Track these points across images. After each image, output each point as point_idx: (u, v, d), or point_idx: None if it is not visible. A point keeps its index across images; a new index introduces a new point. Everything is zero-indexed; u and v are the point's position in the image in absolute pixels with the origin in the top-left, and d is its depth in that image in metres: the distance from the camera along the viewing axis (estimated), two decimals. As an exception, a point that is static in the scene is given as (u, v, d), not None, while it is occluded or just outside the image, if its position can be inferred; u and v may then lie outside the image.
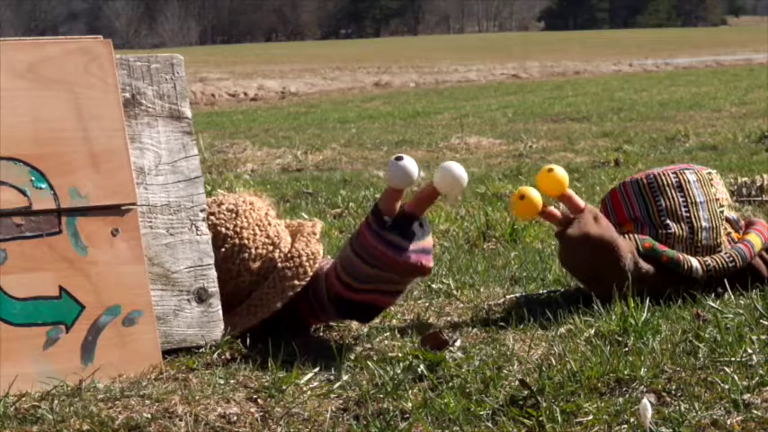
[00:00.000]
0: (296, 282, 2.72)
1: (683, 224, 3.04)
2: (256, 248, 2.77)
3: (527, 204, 2.87)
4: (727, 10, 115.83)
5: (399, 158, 2.57)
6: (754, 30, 73.54)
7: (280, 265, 2.76)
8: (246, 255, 2.76)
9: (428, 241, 2.60)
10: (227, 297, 2.74)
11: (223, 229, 2.76)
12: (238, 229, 2.76)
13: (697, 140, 9.28)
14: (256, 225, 2.79)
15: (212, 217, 2.77)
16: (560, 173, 2.90)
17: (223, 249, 2.75)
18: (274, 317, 2.73)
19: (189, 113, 2.74)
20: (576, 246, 2.89)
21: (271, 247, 2.78)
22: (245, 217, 2.79)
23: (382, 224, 2.57)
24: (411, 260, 2.55)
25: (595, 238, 2.87)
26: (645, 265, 2.92)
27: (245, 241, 2.76)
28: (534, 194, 2.88)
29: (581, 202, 2.94)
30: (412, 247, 2.56)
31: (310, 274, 2.74)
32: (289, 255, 2.77)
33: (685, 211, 3.05)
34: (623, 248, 2.89)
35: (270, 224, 2.81)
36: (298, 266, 2.74)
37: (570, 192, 2.93)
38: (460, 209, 5.47)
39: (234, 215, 2.78)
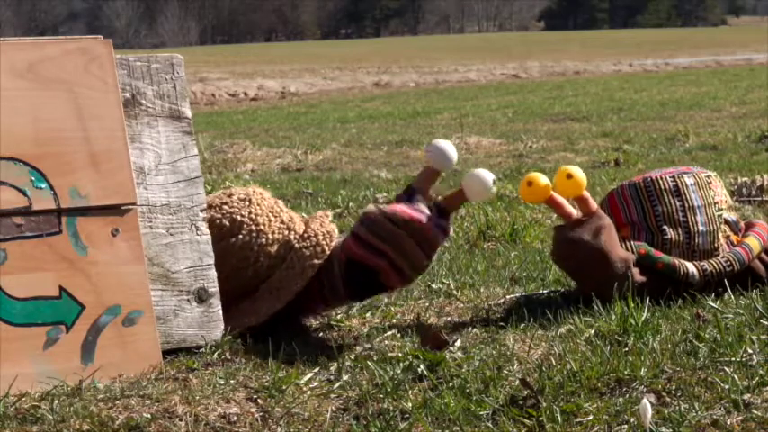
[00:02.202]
0: (315, 261, 2.75)
1: (679, 229, 3.04)
2: (272, 233, 2.79)
3: (534, 191, 2.91)
4: (727, 10, 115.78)
5: (439, 142, 2.82)
6: (754, 30, 73.52)
7: (297, 245, 2.79)
8: (264, 240, 2.77)
9: (447, 229, 2.79)
10: (245, 284, 2.76)
11: (239, 217, 2.78)
12: (253, 216, 2.79)
13: (697, 140, 9.28)
14: (269, 212, 2.82)
15: (225, 206, 2.80)
16: (579, 177, 2.91)
17: (240, 236, 2.77)
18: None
19: (189, 113, 2.74)
20: (569, 248, 2.92)
21: (286, 231, 2.81)
22: (258, 204, 2.82)
23: (412, 197, 2.76)
24: (432, 229, 2.72)
25: (589, 248, 2.88)
26: (638, 278, 2.92)
27: (262, 227, 2.78)
28: (542, 181, 2.91)
29: (593, 206, 2.94)
30: (435, 222, 2.75)
31: (327, 252, 2.77)
32: (305, 235, 2.81)
33: (682, 216, 3.04)
34: (615, 263, 2.89)
35: (282, 210, 2.85)
36: (315, 245, 2.77)
37: (586, 194, 2.94)
38: (460, 209, 5.46)
39: (247, 203, 2.81)
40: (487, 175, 2.78)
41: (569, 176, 2.91)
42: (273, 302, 2.73)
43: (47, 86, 2.51)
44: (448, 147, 2.81)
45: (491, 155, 9.00)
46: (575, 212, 2.95)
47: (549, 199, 2.92)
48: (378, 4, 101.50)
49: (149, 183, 2.64)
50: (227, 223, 2.77)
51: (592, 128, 11.46)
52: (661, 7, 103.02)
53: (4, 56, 2.48)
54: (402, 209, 2.72)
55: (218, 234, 2.75)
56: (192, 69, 29.77)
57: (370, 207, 2.79)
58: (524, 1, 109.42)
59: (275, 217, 2.82)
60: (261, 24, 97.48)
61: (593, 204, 2.94)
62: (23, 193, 2.44)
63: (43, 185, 2.46)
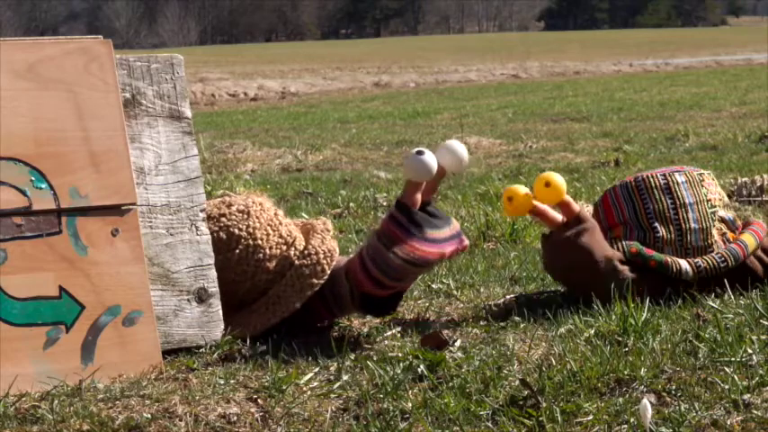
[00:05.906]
0: (314, 280, 2.73)
1: (671, 227, 3.05)
2: (270, 248, 2.76)
3: (516, 206, 2.92)
4: (727, 10, 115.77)
5: (420, 152, 2.65)
6: (754, 30, 73.53)
7: (297, 262, 2.77)
8: (261, 255, 2.75)
9: (454, 224, 2.73)
10: (244, 296, 2.75)
11: (236, 231, 2.75)
12: (251, 230, 2.76)
13: (697, 140, 9.27)
14: (268, 225, 2.79)
15: (224, 218, 2.77)
16: (558, 183, 2.91)
17: (237, 251, 2.74)
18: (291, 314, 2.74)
19: (189, 113, 2.74)
20: (554, 253, 2.97)
21: (284, 247, 2.79)
22: (257, 217, 2.78)
23: (416, 222, 2.65)
24: (449, 249, 2.68)
25: (572, 250, 2.91)
26: (628, 274, 2.93)
27: (259, 242, 2.76)
28: (522, 191, 2.91)
29: (575, 209, 2.97)
30: (448, 233, 2.69)
31: (328, 272, 2.74)
32: (305, 252, 2.78)
33: (673, 214, 3.05)
34: (599, 262, 2.90)
35: (281, 223, 2.82)
36: (315, 264, 2.74)
37: (568, 198, 2.95)
38: (460, 209, 5.47)
39: (245, 216, 2.78)
40: (458, 146, 2.69)
41: (548, 184, 2.91)
42: (269, 317, 2.72)
43: (47, 87, 2.51)
44: (430, 159, 2.64)
45: (491, 155, 9.00)
46: (560, 218, 2.97)
47: (533, 210, 2.93)
48: (378, 4, 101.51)
49: (149, 183, 2.64)
50: (224, 236, 2.75)
51: (592, 128, 11.46)
52: (661, 7, 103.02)
53: (4, 56, 2.48)
54: (422, 250, 2.63)
55: (214, 247, 2.73)
56: (192, 69, 29.77)
57: (380, 250, 2.65)
58: (524, 1, 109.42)
59: (274, 231, 2.79)
60: (261, 24, 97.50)
61: (576, 207, 2.97)
62: (23, 193, 2.44)
63: (43, 185, 2.46)
